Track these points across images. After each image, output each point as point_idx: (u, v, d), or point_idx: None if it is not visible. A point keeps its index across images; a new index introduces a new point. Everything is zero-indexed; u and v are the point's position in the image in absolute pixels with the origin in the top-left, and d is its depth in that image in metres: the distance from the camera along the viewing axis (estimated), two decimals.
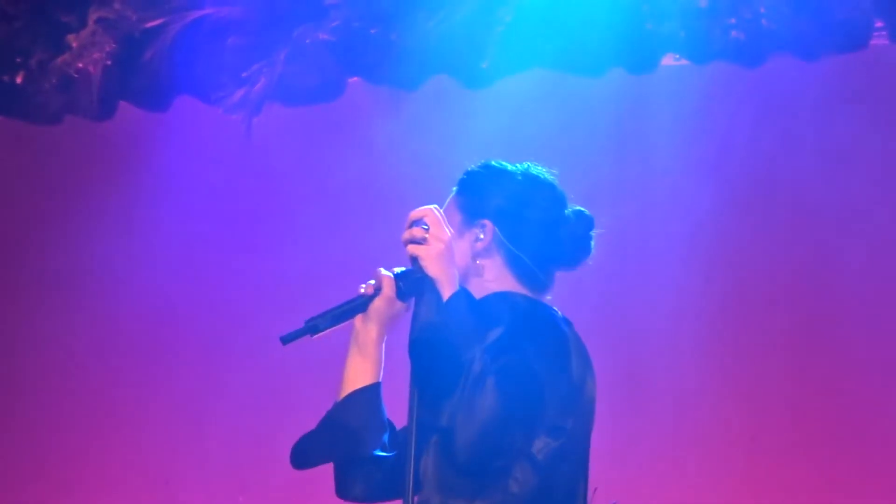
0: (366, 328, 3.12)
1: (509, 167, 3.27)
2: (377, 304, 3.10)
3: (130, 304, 5.93)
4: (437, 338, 2.85)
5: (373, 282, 3.12)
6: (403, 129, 5.55)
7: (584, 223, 3.26)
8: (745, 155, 5.48)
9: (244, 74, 5.64)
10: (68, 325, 5.99)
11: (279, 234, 5.85)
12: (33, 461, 5.93)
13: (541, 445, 2.94)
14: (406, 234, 2.98)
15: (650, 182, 5.50)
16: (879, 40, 5.27)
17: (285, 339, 3.06)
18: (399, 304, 3.10)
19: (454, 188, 3.24)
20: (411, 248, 2.96)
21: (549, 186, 3.26)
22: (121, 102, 5.85)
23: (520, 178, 3.24)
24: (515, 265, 3.15)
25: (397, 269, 3.11)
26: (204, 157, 5.90)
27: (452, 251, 2.97)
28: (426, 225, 2.96)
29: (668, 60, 5.42)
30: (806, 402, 5.35)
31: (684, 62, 5.41)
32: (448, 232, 2.98)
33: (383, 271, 3.11)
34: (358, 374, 3.13)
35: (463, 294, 2.94)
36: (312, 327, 3.06)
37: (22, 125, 5.97)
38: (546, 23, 5.36)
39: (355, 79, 5.56)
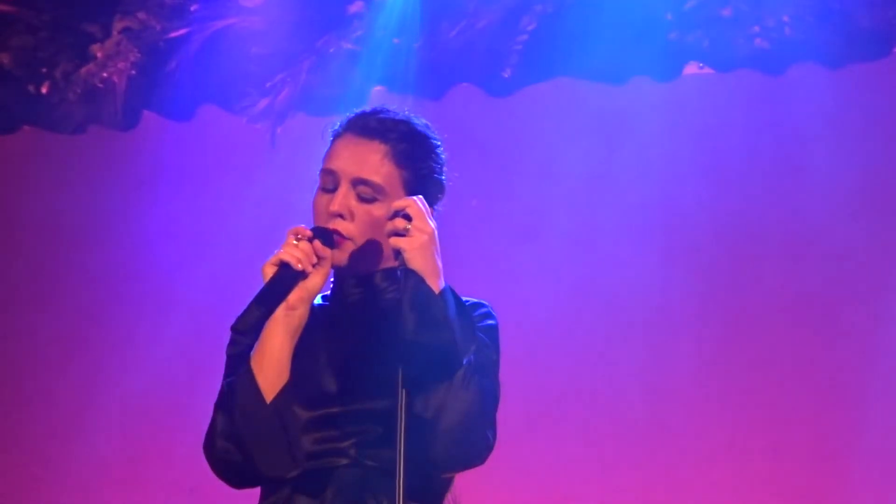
0: (306, 310, 2.85)
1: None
2: (316, 281, 2.85)
3: (154, 310, 5.94)
4: (441, 338, 2.73)
5: (304, 254, 2.82)
6: None
7: None
8: (768, 163, 5.47)
9: (268, 84, 5.66)
10: (91, 331, 6.01)
11: None
12: (57, 469, 5.94)
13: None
14: (388, 226, 2.78)
15: (673, 190, 5.50)
16: None
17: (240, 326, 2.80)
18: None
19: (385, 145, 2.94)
20: (394, 241, 2.76)
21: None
22: (145, 112, 5.87)
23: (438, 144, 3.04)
24: None
25: (306, 233, 2.85)
26: (227, 166, 5.91)
27: (437, 243, 2.78)
28: (409, 216, 2.77)
29: (692, 69, 5.42)
30: (826, 411, 5.34)
31: (708, 70, 5.41)
32: (432, 223, 2.78)
33: (322, 245, 2.84)
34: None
35: (451, 290, 2.80)
36: (265, 305, 2.81)
37: (47, 134, 6.00)
38: (569, 31, 5.37)
39: (379, 88, 5.57)
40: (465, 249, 5.15)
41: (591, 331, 5.47)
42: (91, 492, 5.91)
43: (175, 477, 5.75)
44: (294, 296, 2.82)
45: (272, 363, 2.82)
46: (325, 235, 2.86)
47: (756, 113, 5.48)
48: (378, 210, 2.88)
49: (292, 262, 2.81)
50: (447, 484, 2.91)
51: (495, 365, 2.88)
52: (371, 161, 2.91)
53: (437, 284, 2.75)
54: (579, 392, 5.48)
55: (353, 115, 3.00)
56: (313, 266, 2.83)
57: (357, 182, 2.90)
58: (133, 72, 5.79)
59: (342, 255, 2.88)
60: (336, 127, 3.00)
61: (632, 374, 5.45)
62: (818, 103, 5.37)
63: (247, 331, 2.81)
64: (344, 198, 2.90)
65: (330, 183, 2.94)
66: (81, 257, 6.07)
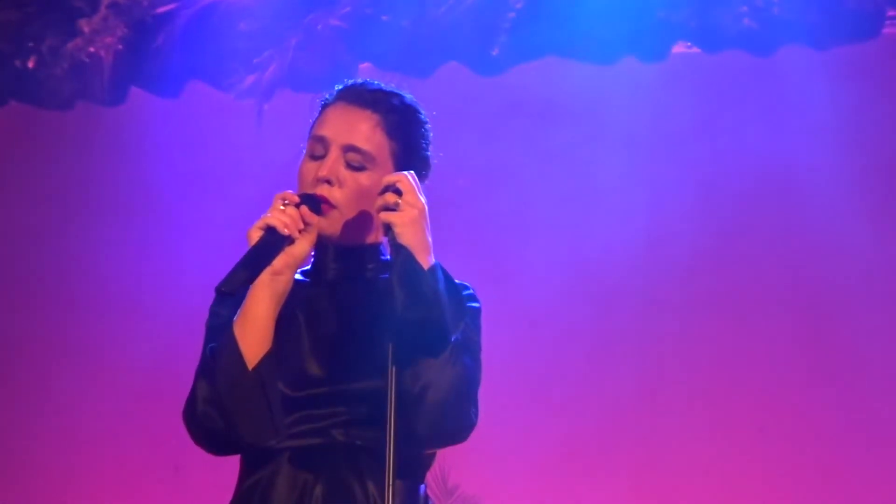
0: (291, 276, 2.83)
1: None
2: (302, 247, 2.82)
3: (140, 287, 5.94)
4: (431, 314, 2.71)
5: (291, 219, 2.79)
6: None
7: None
8: (756, 144, 5.47)
9: (255, 60, 5.65)
10: (77, 309, 6.00)
11: None
12: (42, 451, 5.94)
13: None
14: (379, 201, 2.75)
15: (661, 170, 5.50)
16: (891, 29, 5.26)
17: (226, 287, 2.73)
18: None
19: (376, 115, 2.93)
20: (383, 216, 2.73)
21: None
22: (132, 87, 5.86)
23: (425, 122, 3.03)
24: None
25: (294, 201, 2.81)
26: (214, 142, 5.90)
27: (427, 218, 2.75)
28: (399, 190, 2.74)
29: (680, 49, 5.42)
30: (814, 395, 5.35)
31: (696, 50, 5.41)
32: (423, 199, 2.75)
33: (309, 211, 2.81)
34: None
35: (441, 267, 2.77)
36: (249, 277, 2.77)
37: (33, 109, 5.98)
38: (557, 10, 5.37)
39: (366, 65, 5.56)
40: (453, 229, 5.15)
41: (579, 311, 5.47)
42: (76, 471, 5.91)
43: (160, 455, 5.75)
44: (280, 261, 2.79)
45: (255, 329, 2.80)
46: (313, 202, 2.84)
47: (744, 94, 5.48)
48: (366, 179, 2.87)
49: (279, 226, 2.78)
50: (430, 461, 2.92)
51: (478, 346, 2.87)
52: (362, 129, 2.90)
53: (426, 260, 2.73)
54: (567, 373, 5.49)
55: (345, 85, 2.99)
56: (300, 232, 2.80)
57: (347, 149, 2.89)
58: (120, 47, 5.78)
59: (331, 224, 2.87)
60: (327, 96, 2.99)
61: (620, 356, 5.47)
62: (806, 85, 5.38)
63: (232, 293, 2.76)
64: (333, 164, 2.88)
65: (319, 150, 2.92)
66: (68, 233, 6.06)
